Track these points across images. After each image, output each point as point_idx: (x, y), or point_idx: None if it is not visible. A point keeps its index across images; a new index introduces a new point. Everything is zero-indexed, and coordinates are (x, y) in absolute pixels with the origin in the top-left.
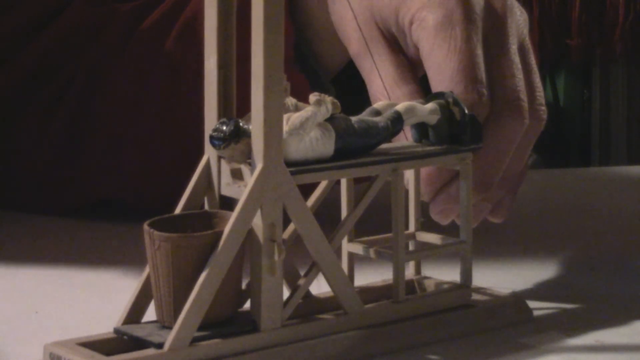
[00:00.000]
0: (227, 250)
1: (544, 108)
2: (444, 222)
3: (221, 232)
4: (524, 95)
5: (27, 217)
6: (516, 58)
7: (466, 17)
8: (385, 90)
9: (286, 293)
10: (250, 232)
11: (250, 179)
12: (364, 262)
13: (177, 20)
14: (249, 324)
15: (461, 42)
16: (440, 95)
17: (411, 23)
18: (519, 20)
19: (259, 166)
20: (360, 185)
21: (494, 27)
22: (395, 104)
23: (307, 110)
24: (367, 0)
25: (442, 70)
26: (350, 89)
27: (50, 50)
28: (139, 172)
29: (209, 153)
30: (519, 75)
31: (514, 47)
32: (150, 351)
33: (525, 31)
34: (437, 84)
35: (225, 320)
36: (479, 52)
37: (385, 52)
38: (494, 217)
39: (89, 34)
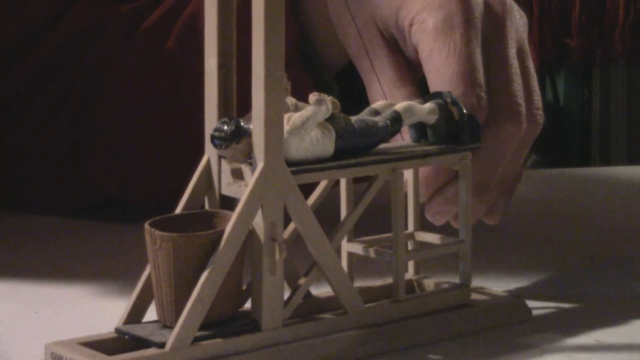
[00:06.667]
0: (228, 250)
1: (541, 112)
2: (439, 223)
3: (222, 232)
4: (522, 100)
5: (27, 217)
6: (515, 62)
7: (466, 21)
8: (384, 92)
9: (287, 293)
10: (251, 232)
11: (251, 179)
12: (364, 262)
13: (177, 20)
14: (250, 324)
15: (461, 46)
16: (438, 95)
17: (411, 25)
18: (518, 24)
19: (259, 166)
20: (359, 185)
21: (494, 30)
22: (394, 104)
23: (308, 110)
24: (368, 1)
25: (442, 74)
26: (353, 87)
27: (54, 51)
28: (141, 171)
29: (210, 153)
30: (518, 79)
31: (512, 51)
32: (152, 351)
33: (524, 35)
34: (436, 86)
35: (226, 319)
36: (479, 55)
37: (385, 53)
38: (489, 219)
39: (91, 34)
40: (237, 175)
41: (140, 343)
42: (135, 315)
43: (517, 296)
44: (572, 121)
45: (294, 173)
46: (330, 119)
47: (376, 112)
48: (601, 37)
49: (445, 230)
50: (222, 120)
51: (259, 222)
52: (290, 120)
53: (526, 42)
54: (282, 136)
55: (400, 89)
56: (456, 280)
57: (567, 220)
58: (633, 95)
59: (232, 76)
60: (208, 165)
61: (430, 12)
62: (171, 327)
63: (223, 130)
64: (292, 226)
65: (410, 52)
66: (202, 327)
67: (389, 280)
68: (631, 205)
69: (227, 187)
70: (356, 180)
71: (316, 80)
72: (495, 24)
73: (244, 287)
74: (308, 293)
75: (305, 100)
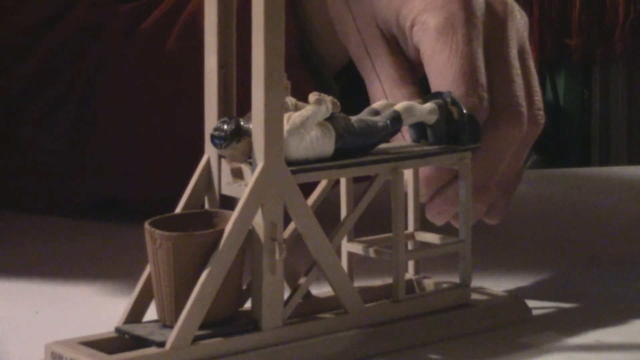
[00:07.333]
0: (228, 249)
1: (542, 113)
2: (439, 223)
3: (222, 231)
4: (523, 101)
5: (27, 217)
6: (516, 62)
7: (467, 21)
8: (384, 92)
9: (287, 292)
10: (251, 231)
11: (251, 178)
12: (364, 262)
13: (177, 20)
14: (250, 323)
15: (462, 46)
16: (438, 95)
17: (412, 25)
18: (519, 24)
19: (259, 165)
20: (359, 185)
21: (495, 30)
22: (394, 104)
23: (308, 109)
24: (369, 1)
25: (443, 74)
26: (353, 87)
27: (53, 51)
28: (141, 171)
29: (210, 152)
30: (519, 80)
31: (514, 52)
32: (152, 350)
33: (525, 35)
34: (438, 87)
35: (226, 319)
36: (480, 56)
37: (385, 53)
38: (489, 219)
39: (91, 34)
40: (237, 174)
41: (141, 342)
42: (135, 314)
43: (517, 296)
44: (572, 121)
45: (294, 173)
46: (330, 119)
47: (376, 112)
48: (601, 37)
49: (445, 230)
50: (222, 119)
51: (259, 222)
52: (290, 119)
53: (527, 42)
54: (282, 136)
55: (400, 88)
56: (456, 280)
57: (567, 220)
58: (633, 95)
59: (232, 76)
60: (208, 165)
61: (432, 13)
62: (171, 327)
63: (223, 130)
64: (292, 226)
65: (411, 52)
66: (202, 327)
67: (389, 280)
68: (631, 205)
69: (227, 186)
70: (356, 180)
71: (316, 80)
72: (496, 24)
73: (244, 287)
74: (308, 293)
75: (305, 100)
